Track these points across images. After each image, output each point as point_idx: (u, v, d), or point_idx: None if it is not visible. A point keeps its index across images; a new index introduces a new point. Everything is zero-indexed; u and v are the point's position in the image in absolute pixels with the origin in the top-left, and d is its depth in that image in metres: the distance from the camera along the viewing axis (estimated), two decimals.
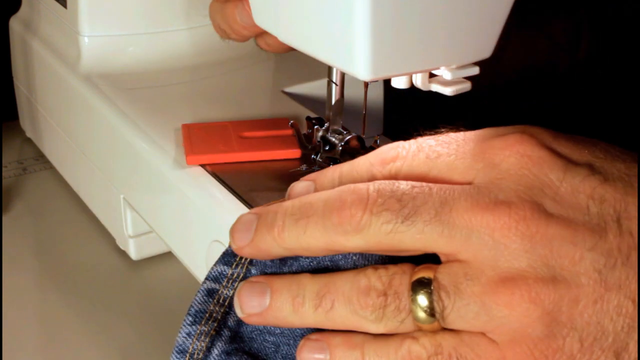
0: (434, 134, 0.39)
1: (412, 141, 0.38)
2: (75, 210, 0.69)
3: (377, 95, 0.66)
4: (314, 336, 0.37)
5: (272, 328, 0.39)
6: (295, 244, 0.37)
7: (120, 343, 0.56)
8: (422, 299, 0.34)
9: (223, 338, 0.39)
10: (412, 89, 0.42)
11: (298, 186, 0.40)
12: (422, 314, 0.34)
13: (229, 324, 0.39)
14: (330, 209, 0.36)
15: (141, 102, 0.59)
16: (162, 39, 0.64)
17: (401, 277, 0.35)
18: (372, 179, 0.38)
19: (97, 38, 0.63)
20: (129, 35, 0.63)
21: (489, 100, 0.59)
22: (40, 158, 0.76)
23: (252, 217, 0.38)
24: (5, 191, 0.71)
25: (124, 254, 0.63)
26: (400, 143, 0.38)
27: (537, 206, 0.34)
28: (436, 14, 0.37)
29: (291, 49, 0.46)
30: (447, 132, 0.39)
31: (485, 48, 0.40)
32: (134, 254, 0.61)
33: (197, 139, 0.52)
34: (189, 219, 0.50)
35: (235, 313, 0.39)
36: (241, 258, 0.40)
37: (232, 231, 0.39)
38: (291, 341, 0.39)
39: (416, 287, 0.35)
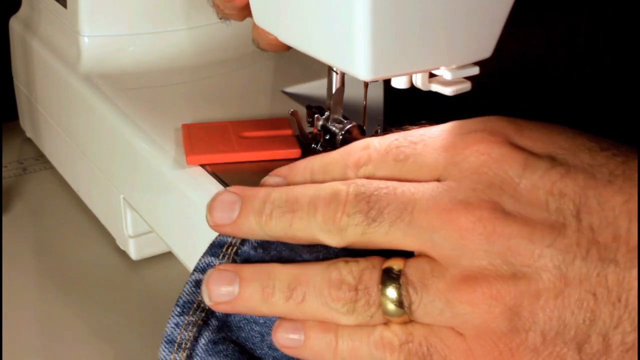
0: (402, 130, 0.38)
1: (382, 141, 0.38)
2: (75, 210, 0.69)
3: (377, 95, 0.66)
4: None
5: (257, 318, 0.39)
6: (281, 233, 0.37)
7: (120, 343, 0.56)
8: (392, 292, 0.35)
9: (210, 327, 0.39)
10: (412, 89, 0.42)
11: (269, 182, 0.40)
12: (391, 307, 0.35)
13: (217, 313, 0.39)
14: (315, 208, 0.36)
15: (141, 102, 0.59)
16: (162, 39, 0.64)
17: (371, 272, 0.36)
18: (345, 179, 0.38)
19: (97, 38, 0.63)
20: (129, 35, 0.63)
21: (489, 100, 0.59)
22: (40, 158, 0.75)
23: (234, 197, 0.38)
24: (5, 191, 0.71)
25: (124, 254, 0.63)
26: (371, 143, 0.38)
27: (495, 205, 0.34)
28: (436, 14, 0.37)
29: (289, 48, 0.46)
30: (416, 128, 0.38)
31: (485, 48, 0.40)
32: (134, 254, 0.61)
33: (197, 139, 0.52)
34: (189, 219, 0.50)
35: None
36: (227, 249, 0.40)
37: (211, 208, 0.39)
38: None
39: (386, 280, 0.35)
